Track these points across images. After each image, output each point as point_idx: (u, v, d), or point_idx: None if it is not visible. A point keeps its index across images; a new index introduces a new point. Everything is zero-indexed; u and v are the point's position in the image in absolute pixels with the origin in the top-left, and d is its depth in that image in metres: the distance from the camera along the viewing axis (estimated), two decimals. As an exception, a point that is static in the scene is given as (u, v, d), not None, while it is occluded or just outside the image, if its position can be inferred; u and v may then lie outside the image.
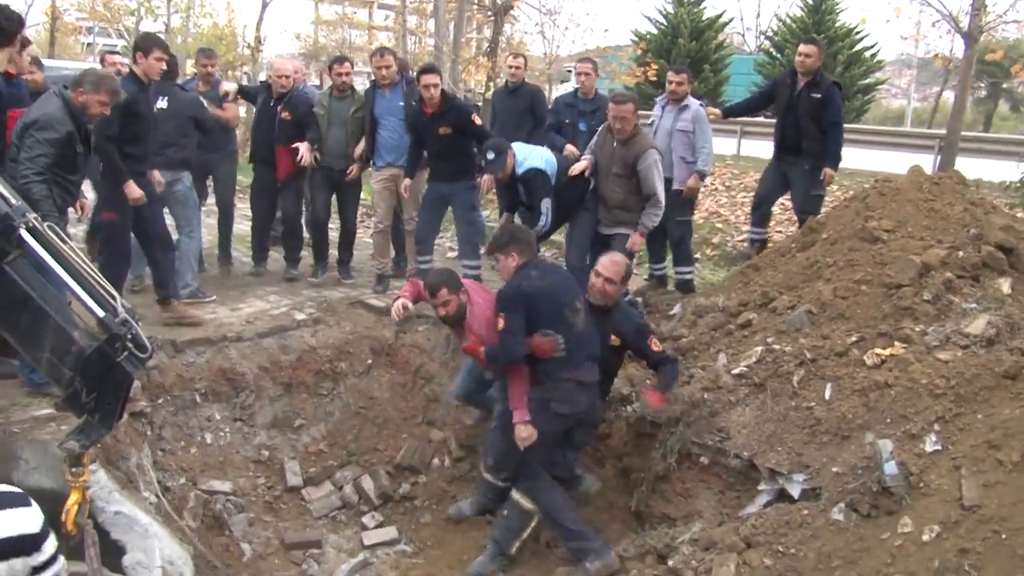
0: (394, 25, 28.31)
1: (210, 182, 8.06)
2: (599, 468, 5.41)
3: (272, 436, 6.08)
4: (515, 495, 4.96)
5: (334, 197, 7.85)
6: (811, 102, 6.99)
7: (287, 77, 7.40)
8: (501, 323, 4.78)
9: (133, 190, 5.75)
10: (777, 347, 5.06)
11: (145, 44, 6.09)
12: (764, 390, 4.83)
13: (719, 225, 11.47)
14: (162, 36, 22.29)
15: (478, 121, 6.91)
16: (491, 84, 15.09)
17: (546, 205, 6.30)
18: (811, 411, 4.56)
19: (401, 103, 7.25)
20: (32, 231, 3.34)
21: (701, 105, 7.21)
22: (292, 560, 5.31)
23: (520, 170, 6.28)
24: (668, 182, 6.93)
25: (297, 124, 7.35)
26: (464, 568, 5.13)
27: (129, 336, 3.40)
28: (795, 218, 7.85)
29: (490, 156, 6.26)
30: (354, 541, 5.61)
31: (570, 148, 7.18)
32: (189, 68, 23.74)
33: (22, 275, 3.33)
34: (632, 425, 5.19)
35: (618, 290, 5.19)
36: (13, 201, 3.36)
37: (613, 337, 5.13)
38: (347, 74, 7.49)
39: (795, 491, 4.31)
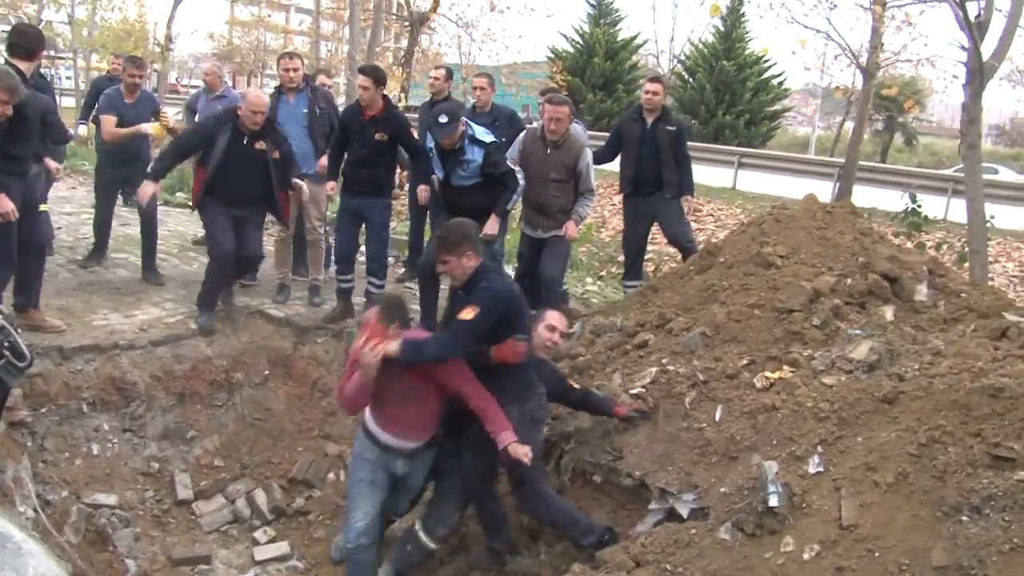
0: (309, 30, 28.03)
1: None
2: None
3: (163, 448, 5.91)
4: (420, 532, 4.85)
5: None
6: (668, 134, 7.29)
7: (262, 113, 6.33)
8: (470, 315, 4.39)
9: (3, 204, 5.33)
10: (671, 368, 5.14)
11: (37, 43, 5.84)
12: (657, 411, 4.91)
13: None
14: (66, 28, 21.68)
15: (415, 134, 6.83)
16: (403, 95, 15.07)
17: (516, 167, 6.36)
18: (702, 432, 4.65)
19: (305, 110, 7.16)
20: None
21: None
22: (178, 577, 5.18)
23: (487, 139, 6.17)
24: None
25: (283, 159, 6.62)
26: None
27: (6, 343, 3.29)
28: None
29: (443, 120, 5.96)
30: (245, 557, 5.49)
31: None
32: (94, 63, 23.14)
33: None
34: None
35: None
36: None
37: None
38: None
39: (684, 511, 4.39)
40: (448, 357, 4.40)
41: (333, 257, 7.30)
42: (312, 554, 5.52)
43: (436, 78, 8.13)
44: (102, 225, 7.92)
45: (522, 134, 6.85)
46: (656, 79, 7.74)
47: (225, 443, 6.18)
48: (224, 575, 5.26)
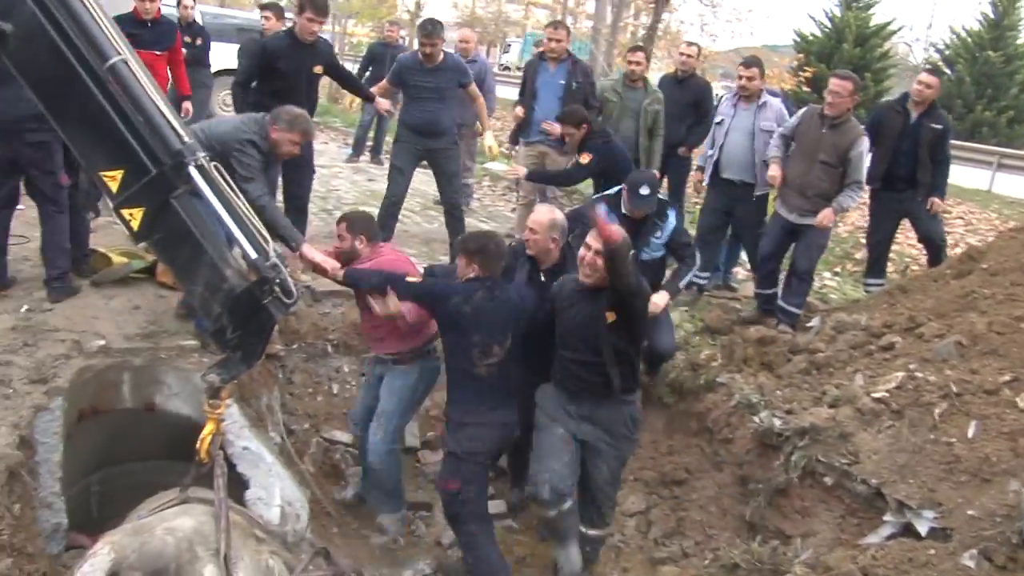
0: (553, 3, 28.28)
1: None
2: (717, 472, 5.29)
3: (393, 396, 6.18)
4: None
5: None
6: (933, 132, 6.65)
7: (532, 231, 5.03)
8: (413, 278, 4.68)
9: None
10: (920, 375, 4.81)
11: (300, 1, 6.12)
12: (902, 418, 4.60)
13: (863, 240, 11.03)
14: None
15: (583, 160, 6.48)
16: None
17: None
18: (951, 447, 4.32)
19: (562, 82, 7.18)
20: (200, 170, 3.47)
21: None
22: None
23: (672, 218, 5.49)
24: (749, 187, 6.81)
25: None
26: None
27: (277, 280, 3.51)
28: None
29: (644, 191, 5.24)
30: (464, 510, 5.64)
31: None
32: (349, 28, 24.47)
33: (186, 210, 3.48)
34: (758, 435, 5.02)
35: None
36: (186, 139, 3.50)
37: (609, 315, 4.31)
38: (639, 63, 7.31)
39: (923, 528, 4.11)
40: (371, 283, 4.66)
41: None
42: (527, 516, 5.57)
43: (688, 55, 7.88)
44: (390, 206, 7.02)
45: (802, 110, 6.55)
46: (933, 71, 7.08)
47: (453, 398, 6.37)
48: (443, 523, 5.42)
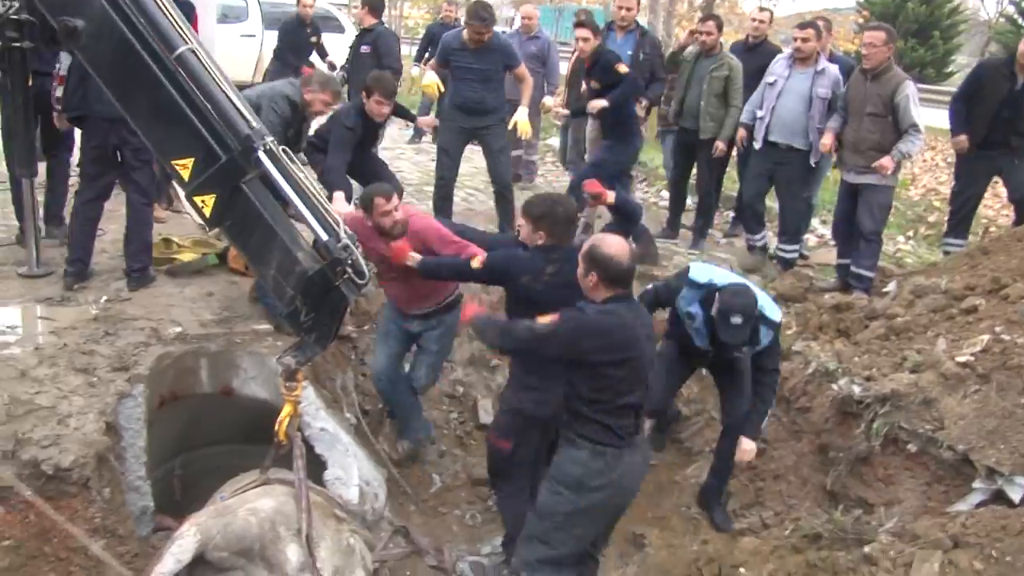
0: (608, -25, 27.95)
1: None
2: (795, 442, 5.20)
3: (468, 373, 6.17)
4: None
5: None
6: None
7: None
8: (478, 260, 4.32)
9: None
10: (1007, 338, 4.66)
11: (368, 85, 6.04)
12: (988, 382, 4.46)
13: (936, 203, 10.78)
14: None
15: (622, 69, 6.40)
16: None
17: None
18: (1043, 411, 4.18)
19: (630, 52, 7.13)
20: (269, 154, 3.50)
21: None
22: (477, 495, 5.43)
23: (776, 317, 4.67)
24: (804, 153, 6.66)
25: None
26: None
27: (349, 261, 3.52)
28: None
29: (736, 321, 4.40)
30: (538, 487, 5.66)
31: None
32: (406, 11, 24.47)
33: (257, 195, 3.51)
34: (837, 402, 4.92)
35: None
36: (254, 124, 3.53)
37: None
38: (708, 32, 7.14)
39: (1015, 495, 3.98)
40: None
41: None
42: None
43: (761, 20, 7.71)
44: (441, 187, 7.09)
45: (853, 73, 6.47)
46: None
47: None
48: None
